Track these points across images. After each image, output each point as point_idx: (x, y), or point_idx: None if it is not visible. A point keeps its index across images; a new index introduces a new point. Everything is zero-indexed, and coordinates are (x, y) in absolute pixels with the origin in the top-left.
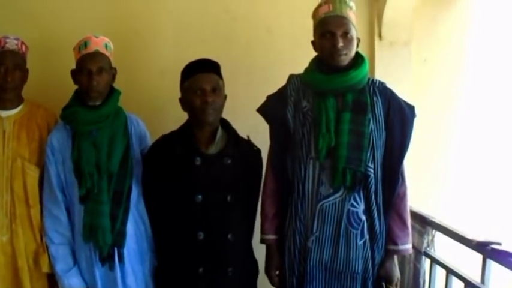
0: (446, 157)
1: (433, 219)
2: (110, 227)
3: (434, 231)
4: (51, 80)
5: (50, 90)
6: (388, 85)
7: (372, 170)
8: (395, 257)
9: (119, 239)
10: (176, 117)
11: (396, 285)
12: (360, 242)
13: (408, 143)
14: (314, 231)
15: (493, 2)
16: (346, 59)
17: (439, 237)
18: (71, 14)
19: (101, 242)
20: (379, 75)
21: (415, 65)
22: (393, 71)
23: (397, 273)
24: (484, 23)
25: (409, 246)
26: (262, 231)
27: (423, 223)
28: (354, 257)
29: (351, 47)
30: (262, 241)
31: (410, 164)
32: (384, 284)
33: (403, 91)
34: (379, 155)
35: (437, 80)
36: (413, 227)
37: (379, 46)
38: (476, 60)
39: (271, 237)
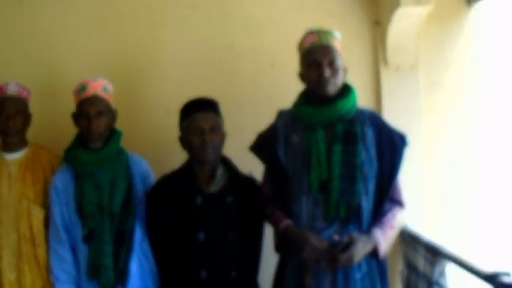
0: (460, 183)
1: (444, 250)
2: (113, 266)
3: (445, 261)
4: (57, 121)
5: (55, 132)
6: (398, 110)
7: (365, 202)
8: (365, 240)
9: (122, 278)
10: (183, 156)
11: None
12: (358, 276)
13: (397, 172)
14: (311, 266)
15: (500, 21)
16: (333, 88)
17: (452, 268)
18: (74, 55)
19: (104, 281)
20: (387, 101)
21: (424, 89)
22: (401, 95)
23: (355, 251)
24: (492, 42)
25: (380, 241)
26: (276, 224)
27: (434, 253)
28: None
29: (337, 77)
30: (278, 241)
31: (419, 189)
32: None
33: (413, 115)
34: (371, 186)
35: (448, 103)
36: (424, 257)
37: (385, 72)
38: (487, 82)
39: (287, 221)
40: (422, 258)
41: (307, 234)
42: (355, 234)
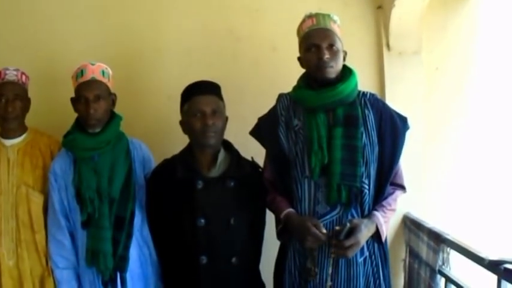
0: (463, 168)
1: (447, 236)
2: (112, 252)
3: (449, 248)
4: (56, 107)
5: (54, 117)
6: (401, 95)
7: (366, 186)
8: (367, 224)
9: (121, 264)
10: (184, 142)
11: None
12: (360, 260)
13: (399, 156)
14: (313, 252)
15: (503, 7)
16: (333, 71)
17: (455, 255)
18: (74, 41)
19: (102, 267)
20: (390, 86)
21: (427, 74)
22: (404, 80)
23: (360, 236)
24: (495, 27)
25: (382, 224)
26: (277, 213)
27: (437, 240)
28: (354, 275)
29: (337, 59)
30: (280, 229)
31: (422, 175)
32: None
33: (415, 100)
34: (372, 170)
35: (451, 88)
36: (427, 244)
37: (388, 57)
38: (490, 67)
39: (288, 210)
40: (425, 245)
41: (308, 224)
42: (356, 219)
